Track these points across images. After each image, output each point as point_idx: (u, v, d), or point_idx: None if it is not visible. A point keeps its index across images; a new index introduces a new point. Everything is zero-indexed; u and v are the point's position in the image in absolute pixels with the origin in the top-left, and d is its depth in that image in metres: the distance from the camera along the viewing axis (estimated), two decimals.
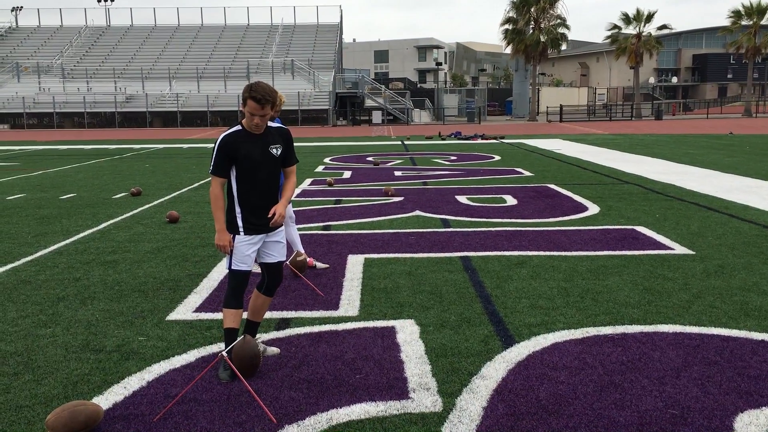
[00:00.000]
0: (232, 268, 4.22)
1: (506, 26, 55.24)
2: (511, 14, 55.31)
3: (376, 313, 5.40)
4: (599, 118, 58.46)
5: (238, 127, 4.16)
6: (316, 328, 5.04)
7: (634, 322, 5.10)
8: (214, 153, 4.10)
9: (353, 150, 24.40)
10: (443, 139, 30.88)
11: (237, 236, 4.17)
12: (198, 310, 5.52)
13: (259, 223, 4.27)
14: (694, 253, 7.33)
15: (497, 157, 20.25)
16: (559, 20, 54.74)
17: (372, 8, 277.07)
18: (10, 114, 50.05)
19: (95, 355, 4.52)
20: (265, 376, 4.16)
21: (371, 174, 15.92)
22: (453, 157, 20.51)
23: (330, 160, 20.27)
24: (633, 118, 56.71)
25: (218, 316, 5.31)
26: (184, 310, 5.51)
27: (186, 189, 13.44)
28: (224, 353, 3.99)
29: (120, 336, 4.90)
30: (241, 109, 4.20)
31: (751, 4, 55.29)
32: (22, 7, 64.28)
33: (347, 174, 16.10)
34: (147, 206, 11.18)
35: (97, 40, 60.38)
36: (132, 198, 12.19)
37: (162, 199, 12.01)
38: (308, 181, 14.73)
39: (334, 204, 11.27)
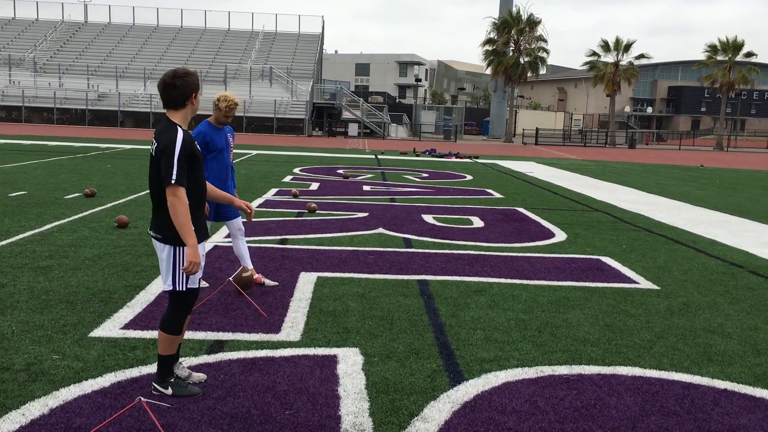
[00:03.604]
0: (190, 287, 3.80)
1: (486, 47, 55.42)
2: (492, 35, 55.53)
3: (319, 338, 5.03)
4: (574, 143, 58.83)
5: (181, 129, 3.77)
6: (252, 353, 4.65)
7: (592, 362, 4.79)
8: (175, 161, 3.62)
9: (325, 162, 24.03)
10: (417, 156, 30.65)
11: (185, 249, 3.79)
12: (126, 326, 5.10)
13: (204, 228, 3.94)
14: (659, 288, 7.08)
15: (469, 177, 20.03)
16: (539, 43, 55.07)
17: (355, 20, 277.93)
18: None
19: (0, 374, 4.08)
20: (184, 408, 3.75)
21: (339, 187, 15.56)
22: (424, 174, 20.24)
23: (300, 170, 19.87)
24: (607, 146, 57.15)
25: (146, 334, 4.89)
26: (111, 326, 5.08)
27: (144, 192, 12.93)
28: (142, 399, 3.53)
29: (33, 353, 4.45)
30: (192, 103, 3.82)
31: (727, 40, 56.22)
32: None
33: (315, 186, 15.71)
34: (99, 209, 10.69)
35: (73, 35, 59.33)
36: (85, 199, 11.67)
37: (116, 202, 11.51)
38: (273, 191, 14.31)
39: (296, 216, 10.89)
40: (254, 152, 27.71)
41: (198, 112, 3.99)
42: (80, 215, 9.99)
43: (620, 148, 54.31)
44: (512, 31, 54.40)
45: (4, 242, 7.84)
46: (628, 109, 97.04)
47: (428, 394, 4.12)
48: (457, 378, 4.39)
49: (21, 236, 8.24)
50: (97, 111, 49.38)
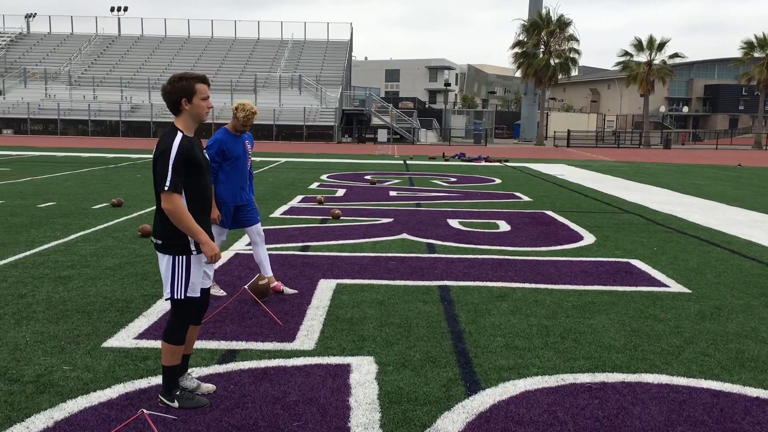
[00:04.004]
0: (189, 296, 3.74)
1: (516, 49, 54.96)
2: (521, 37, 55.06)
3: (334, 347, 4.92)
4: (607, 144, 57.97)
5: (180, 134, 3.72)
6: (264, 363, 4.55)
7: (617, 370, 4.59)
8: (170, 167, 3.58)
9: (353, 168, 23.98)
10: (446, 160, 30.45)
11: (191, 256, 3.72)
12: (140, 336, 5.05)
13: (210, 236, 3.88)
14: (690, 291, 6.82)
15: (498, 180, 19.79)
16: (569, 44, 54.44)
17: (385, 27, 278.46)
18: (14, 119, 49.94)
19: (8, 386, 4.05)
20: (190, 419, 3.67)
21: (365, 193, 15.47)
22: (452, 179, 20.05)
23: (327, 177, 19.84)
24: (641, 146, 56.21)
25: (160, 344, 4.81)
26: (125, 336, 5.03)
27: None
28: (144, 411, 3.45)
29: (44, 364, 4.42)
30: (185, 108, 3.74)
31: (764, 36, 54.88)
32: (35, 14, 64.51)
33: (341, 192, 15.65)
34: (124, 218, 10.75)
35: (107, 48, 60.42)
36: (111, 209, 11.76)
37: (142, 212, 11.57)
38: (298, 198, 14.28)
39: (320, 223, 10.81)
40: (283, 160, 27.80)
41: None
42: (105, 225, 10.05)
43: (655, 149, 53.37)
44: (542, 33, 53.86)
45: (27, 253, 7.90)
46: (663, 109, 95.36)
47: (443, 404, 3.97)
48: (473, 387, 4.23)
49: (45, 246, 8.30)
50: (130, 122, 50.14)
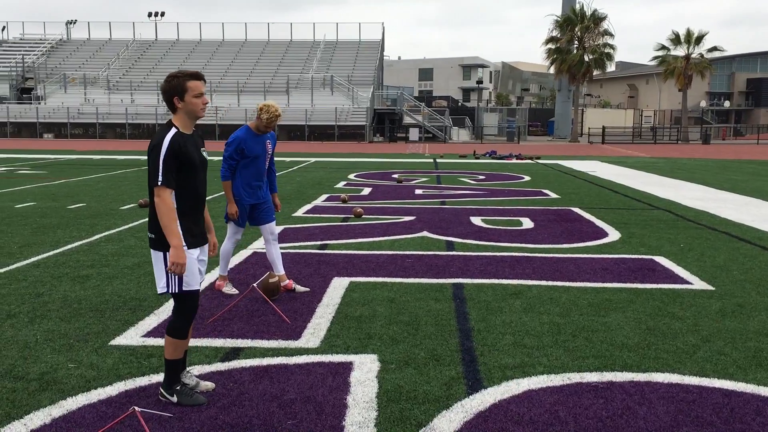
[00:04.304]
0: (185, 289, 3.77)
1: (549, 45, 54.36)
2: (554, 33, 54.45)
3: (339, 345, 4.89)
4: (645, 140, 56.94)
5: (174, 130, 3.73)
6: (266, 361, 4.54)
7: (626, 369, 4.47)
8: (161, 162, 3.64)
9: (382, 167, 23.95)
10: (477, 158, 30.23)
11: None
12: (148, 334, 5.08)
13: (199, 234, 3.87)
14: (713, 288, 6.62)
15: (527, 178, 19.56)
16: (604, 39, 53.63)
17: (418, 27, 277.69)
18: (55, 123, 51.08)
19: (13, 383, 4.10)
20: (185, 417, 3.67)
21: (391, 192, 15.42)
22: (481, 177, 19.89)
23: (354, 176, 19.84)
24: (679, 142, 55.10)
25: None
26: (134, 334, 5.07)
27: None
28: (136, 408, 3.45)
29: (50, 362, 4.47)
30: (178, 105, 3.75)
31: None
32: (76, 20, 65.95)
33: (366, 191, 15.63)
34: None
35: (144, 53, 61.45)
36: (138, 209, 11.92)
37: None
38: (323, 197, 14.30)
39: (341, 222, 10.80)
40: (312, 160, 27.92)
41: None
42: (129, 225, 10.18)
43: (693, 144, 52.28)
44: (576, 28, 53.18)
45: (51, 253, 8.04)
46: (704, 103, 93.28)
47: (442, 403, 3.91)
48: (475, 386, 4.16)
49: (69, 247, 8.44)
50: None
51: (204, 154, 3.97)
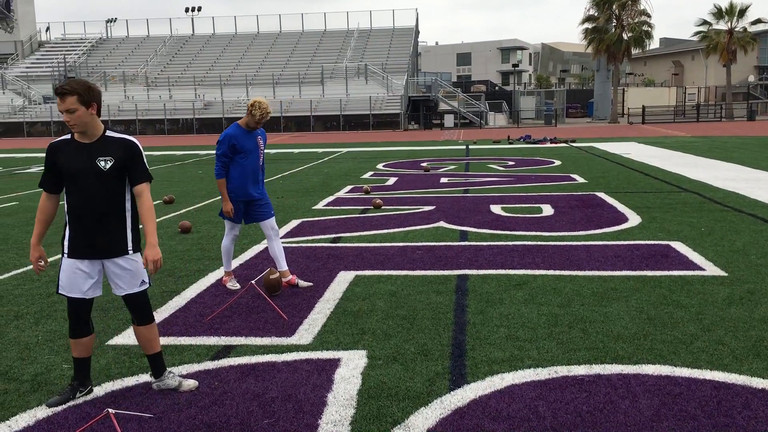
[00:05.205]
0: (59, 291, 3.91)
1: (586, 24, 53.31)
2: (591, 12, 53.38)
3: (331, 341, 4.91)
4: (689, 119, 55.49)
5: (63, 137, 3.88)
6: (254, 359, 4.58)
7: (617, 361, 4.39)
8: (45, 164, 3.88)
9: (413, 155, 23.88)
10: (510, 143, 29.91)
11: (63, 257, 3.91)
12: None
13: (88, 245, 3.81)
14: (726, 274, 6.45)
15: (557, 162, 19.28)
16: (643, 17, 52.33)
17: (455, 11, 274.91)
18: None
19: (6, 384, 4.23)
20: (164, 417, 3.74)
21: (416, 181, 15.36)
22: (510, 163, 19.67)
23: (382, 166, 19.83)
24: (723, 119, 53.56)
25: (163, 341, 4.94)
26: (131, 333, 5.17)
27: (217, 198, 13.27)
28: (110, 411, 3.51)
29: (46, 362, 4.60)
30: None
31: None
32: (116, 18, 67.16)
33: (391, 181, 15.61)
34: (171, 215, 11.06)
35: (181, 48, 62.33)
36: (163, 206, 12.13)
37: (190, 208, 11.89)
38: (347, 188, 14.33)
39: (359, 213, 10.82)
40: (344, 150, 27.98)
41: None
42: None
43: (738, 122, 50.77)
44: (613, 6, 52.03)
45: None
46: (752, 78, 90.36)
47: (422, 400, 3.90)
48: (458, 381, 4.13)
49: None
50: (203, 119, 51.60)
51: (100, 164, 3.74)
